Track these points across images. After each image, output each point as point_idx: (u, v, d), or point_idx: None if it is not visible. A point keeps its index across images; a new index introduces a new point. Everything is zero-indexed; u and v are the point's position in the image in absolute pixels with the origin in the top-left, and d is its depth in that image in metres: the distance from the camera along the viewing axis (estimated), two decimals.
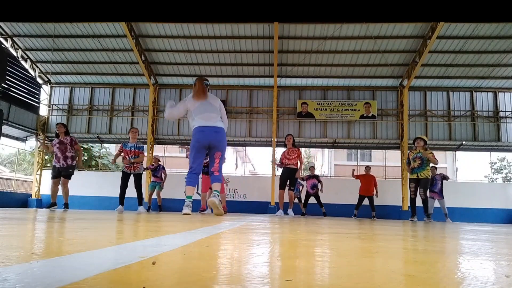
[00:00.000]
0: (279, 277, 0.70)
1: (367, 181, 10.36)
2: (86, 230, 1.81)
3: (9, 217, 2.84)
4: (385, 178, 16.07)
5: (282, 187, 7.64)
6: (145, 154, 7.58)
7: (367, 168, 10.67)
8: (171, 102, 4.83)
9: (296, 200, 10.93)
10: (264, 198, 13.15)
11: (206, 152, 4.56)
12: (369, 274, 0.78)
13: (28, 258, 0.81)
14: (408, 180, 7.43)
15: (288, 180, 7.63)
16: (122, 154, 7.36)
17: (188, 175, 4.46)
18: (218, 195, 4.40)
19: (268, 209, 12.45)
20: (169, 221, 2.96)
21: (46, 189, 14.19)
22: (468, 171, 30.35)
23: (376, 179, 10.51)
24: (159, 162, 10.54)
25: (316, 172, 11.30)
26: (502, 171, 29.45)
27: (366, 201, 10.37)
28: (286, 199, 7.86)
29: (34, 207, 13.55)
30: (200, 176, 6.64)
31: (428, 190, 8.27)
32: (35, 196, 14.12)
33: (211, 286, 0.60)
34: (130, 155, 7.26)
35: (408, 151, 7.68)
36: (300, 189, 11.15)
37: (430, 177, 7.35)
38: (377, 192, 10.41)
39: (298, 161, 7.61)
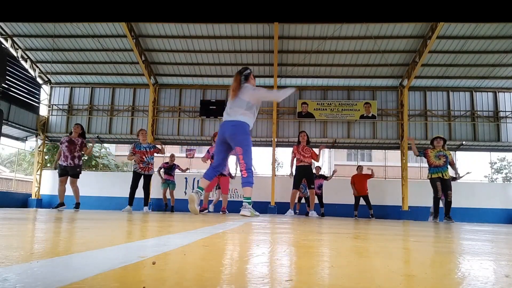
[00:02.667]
0: (279, 277, 0.70)
1: (361, 181, 10.33)
2: (87, 230, 1.81)
3: (9, 217, 2.84)
4: (385, 178, 16.07)
5: (296, 186, 7.30)
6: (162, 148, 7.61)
7: (359, 167, 10.64)
8: None
9: (303, 200, 10.92)
10: (264, 198, 13.14)
11: (227, 148, 4.36)
12: (369, 274, 0.78)
13: (28, 258, 0.81)
14: (431, 179, 7.12)
15: (306, 179, 7.34)
16: (136, 154, 7.29)
17: (208, 168, 4.40)
18: (250, 204, 4.15)
19: (268, 209, 12.45)
20: (169, 221, 2.96)
21: (46, 189, 14.20)
22: (468, 171, 30.28)
23: (368, 176, 10.42)
24: (174, 161, 10.26)
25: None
26: (502, 171, 29.46)
27: (362, 201, 10.38)
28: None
29: (34, 207, 13.55)
30: None
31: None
32: (35, 196, 14.11)
33: (211, 286, 0.60)
34: (147, 156, 7.25)
35: (424, 149, 7.34)
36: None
37: None
38: (372, 174, 10.33)
39: (313, 160, 7.36)
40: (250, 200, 4.21)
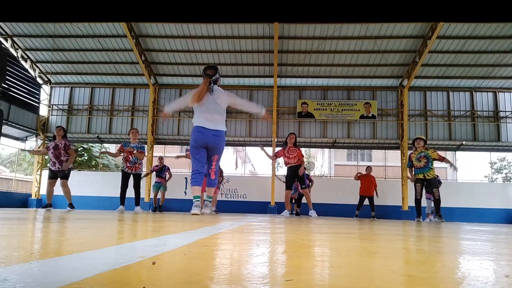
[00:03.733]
0: (279, 277, 0.70)
1: (368, 181, 10.37)
2: (86, 230, 1.81)
3: (9, 217, 2.84)
4: (385, 178, 16.07)
5: (288, 187, 7.49)
6: (146, 154, 7.52)
7: (368, 168, 10.67)
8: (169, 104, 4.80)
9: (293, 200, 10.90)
10: (264, 198, 13.15)
11: (205, 151, 4.44)
12: (369, 274, 0.78)
13: (28, 258, 0.81)
14: (415, 180, 7.27)
15: (296, 180, 7.51)
16: (122, 154, 7.32)
17: (192, 175, 4.37)
18: (210, 204, 4.51)
19: (268, 209, 12.45)
20: (169, 221, 2.96)
21: (46, 189, 14.18)
22: (468, 171, 30.36)
23: (376, 179, 10.52)
24: (164, 163, 10.30)
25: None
26: (502, 171, 29.47)
27: (366, 201, 10.38)
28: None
29: (34, 207, 13.54)
30: None
31: (425, 190, 8.18)
32: (35, 196, 14.11)
33: (211, 286, 0.60)
34: (133, 155, 7.23)
35: (409, 152, 7.53)
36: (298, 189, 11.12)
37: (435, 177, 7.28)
38: (377, 193, 10.41)
39: (299, 160, 7.41)
40: (211, 200, 4.55)
